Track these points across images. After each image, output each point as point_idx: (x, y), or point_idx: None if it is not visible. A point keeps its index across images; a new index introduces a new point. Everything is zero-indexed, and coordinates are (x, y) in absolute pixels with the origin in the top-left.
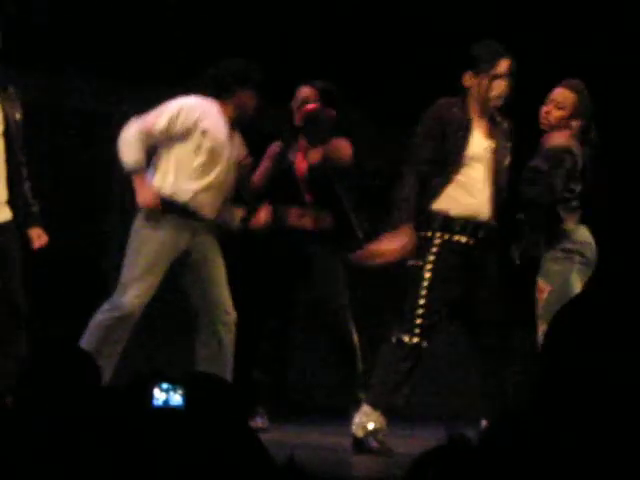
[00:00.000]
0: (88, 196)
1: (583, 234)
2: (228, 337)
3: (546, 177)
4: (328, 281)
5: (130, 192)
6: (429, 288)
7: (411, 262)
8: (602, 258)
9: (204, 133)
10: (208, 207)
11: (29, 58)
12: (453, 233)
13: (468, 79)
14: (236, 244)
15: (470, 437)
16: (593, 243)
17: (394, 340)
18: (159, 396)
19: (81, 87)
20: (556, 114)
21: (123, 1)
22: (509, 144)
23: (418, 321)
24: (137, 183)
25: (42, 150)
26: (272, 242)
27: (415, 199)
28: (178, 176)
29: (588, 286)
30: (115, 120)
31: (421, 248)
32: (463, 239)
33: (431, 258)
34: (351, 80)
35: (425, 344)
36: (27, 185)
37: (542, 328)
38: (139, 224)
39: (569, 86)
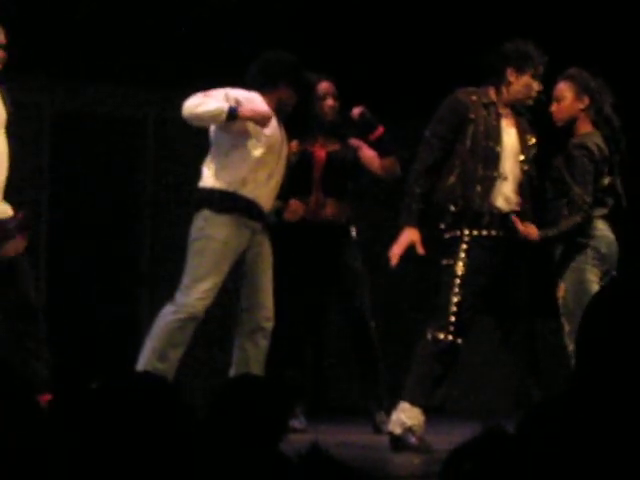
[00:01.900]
0: (120, 199)
1: (599, 227)
2: (263, 343)
3: (578, 199)
4: (353, 281)
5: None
6: (461, 286)
7: (444, 261)
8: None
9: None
10: (265, 199)
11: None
12: (481, 228)
13: (511, 74)
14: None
15: (506, 428)
16: (611, 237)
17: (429, 337)
18: None
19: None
20: (558, 108)
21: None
22: (533, 135)
23: (452, 319)
24: (244, 111)
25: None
26: (298, 238)
27: (421, 196)
28: (239, 170)
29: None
30: (146, 124)
31: (451, 246)
32: (493, 232)
33: (462, 255)
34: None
35: (460, 341)
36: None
37: (567, 327)
38: (200, 224)
39: (561, 78)
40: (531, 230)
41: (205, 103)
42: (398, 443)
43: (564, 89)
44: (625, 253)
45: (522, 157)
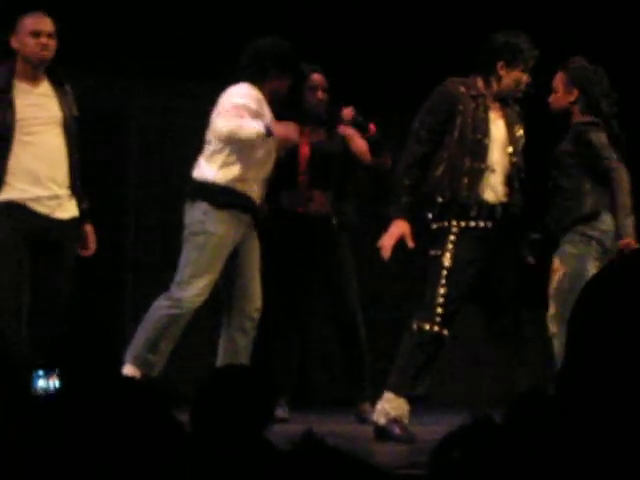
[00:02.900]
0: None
1: (606, 222)
2: (252, 333)
3: (616, 169)
4: (339, 271)
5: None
6: (448, 277)
7: (432, 252)
8: None
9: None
10: (257, 194)
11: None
12: (469, 220)
13: (501, 68)
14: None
15: (494, 417)
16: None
17: (415, 328)
18: (41, 384)
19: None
20: (553, 98)
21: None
22: (521, 126)
23: (439, 310)
24: (278, 131)
25: None
26: (284, 230)
27: (410, 188)
28: (241, 169)
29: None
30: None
31: (438, 238)
32: (481, 224)
33: (450, 247)
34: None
35: (446, 332)
36: (79, 182)
37: (552, 309)
38: (200, 217)
39: (559, 68)
40: (629, 242)
41: (244, 128)
42: (382, 433)
43: (558, 80)
44: None
45: (510, 149)
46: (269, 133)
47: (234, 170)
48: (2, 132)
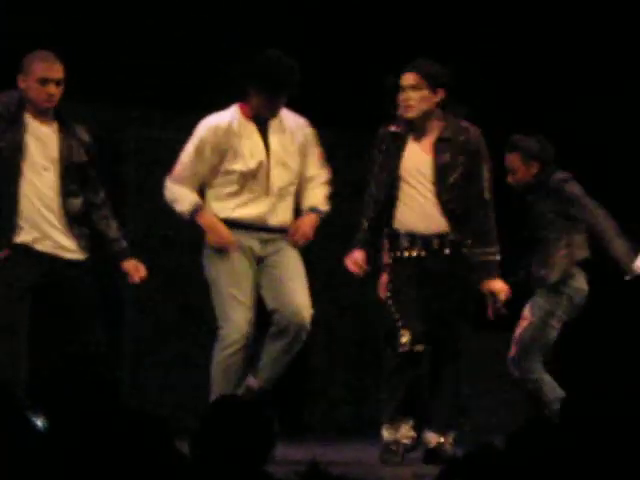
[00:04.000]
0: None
1: (578, 279)
2: (293, 341)
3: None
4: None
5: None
6: (394, 300)
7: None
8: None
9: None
10: (262, 208)
11: None
12: (402, 250)
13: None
14: None
15: (497, 444)
16: (586, 289)
17: (389, 352)
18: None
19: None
20: (515, 178)
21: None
22: (461, 157)
23: (402, 331)
24: (202, 222)
25: None
26: None
27: (366, 222)
28: (229, 195)
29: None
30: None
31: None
32: (414, 253)
33: (390, 276)
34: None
35: (419, 348)
36: (105, 222)
37: (513, 352)
38: (205, 252)
39: (507, 149)
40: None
41: (178, 202)
42: (386, 456)
43: (513, 161)
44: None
45: (436, 179)
46: (192, 218)
47: (226, 202)
48: (12, 153)
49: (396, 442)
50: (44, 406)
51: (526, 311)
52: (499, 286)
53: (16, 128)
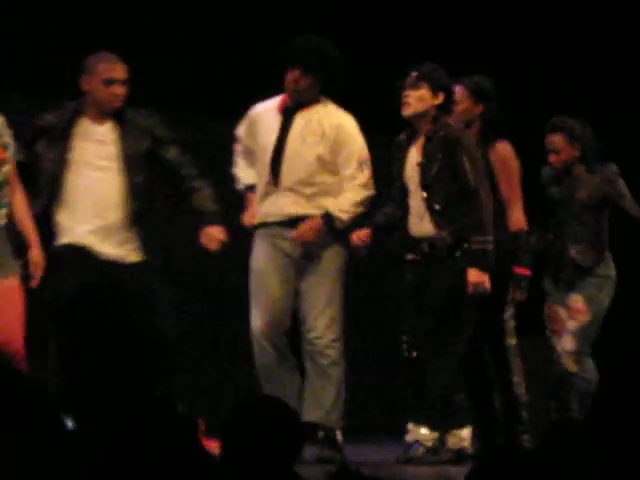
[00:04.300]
0: None
1: (611, 263)
2: (323, 365)
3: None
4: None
5: None
6: (402, 307)
7: None
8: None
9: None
10: (283, 201)
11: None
12: (404, 254)
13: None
14: None
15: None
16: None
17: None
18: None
19: None
20: (557, 157)
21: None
22: (439, 153)
23: (404, 337)
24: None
25: None
26: None
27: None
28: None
29: None
30: None
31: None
32: (410, 256)
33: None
34: None
35: (414, 354)
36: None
37: (572, 346)
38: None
39: (554, 129)
40: None
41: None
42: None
43: (557, 141)
44: None
45: (421, 180)
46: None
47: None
48: (55, 171)
49: (418, 442)
50: (74, 406)
51: (580, 304)
52: (473, 277)
53: (63, 144)
